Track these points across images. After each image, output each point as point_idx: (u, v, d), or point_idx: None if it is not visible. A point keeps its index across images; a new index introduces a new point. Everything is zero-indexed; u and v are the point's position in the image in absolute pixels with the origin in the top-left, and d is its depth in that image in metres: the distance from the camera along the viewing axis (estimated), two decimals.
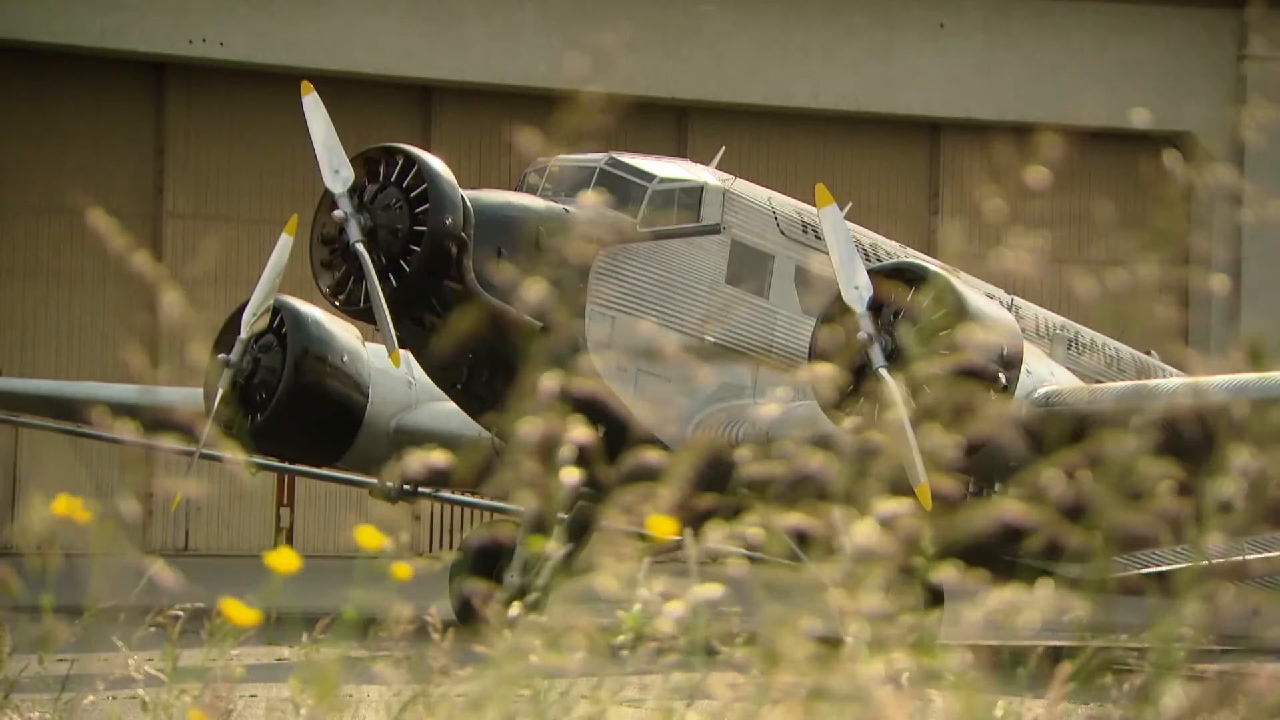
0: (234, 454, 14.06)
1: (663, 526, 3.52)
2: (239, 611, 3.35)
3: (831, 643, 3.49)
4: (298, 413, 15.20)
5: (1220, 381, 12.97)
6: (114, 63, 23.77)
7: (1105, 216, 23.46)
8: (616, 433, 12.99)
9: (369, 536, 3.46)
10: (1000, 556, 4.39)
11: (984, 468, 11.08)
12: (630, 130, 24.96)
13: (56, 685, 4.27)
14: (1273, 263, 25.73)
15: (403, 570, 3.56)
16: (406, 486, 15.55)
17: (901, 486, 3.69)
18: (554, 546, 3.63)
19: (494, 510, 16.26)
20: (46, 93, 23.99)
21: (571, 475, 3.60)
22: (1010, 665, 3.99)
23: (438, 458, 3.81)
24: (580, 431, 3.64)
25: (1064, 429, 12.24)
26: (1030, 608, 3.55)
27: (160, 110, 24.49)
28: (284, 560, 3.37)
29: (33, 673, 3.92)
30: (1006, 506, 3.63)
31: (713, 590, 3.40)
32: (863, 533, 3.53)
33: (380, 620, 3.85)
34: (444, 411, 15.33)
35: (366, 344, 15.62)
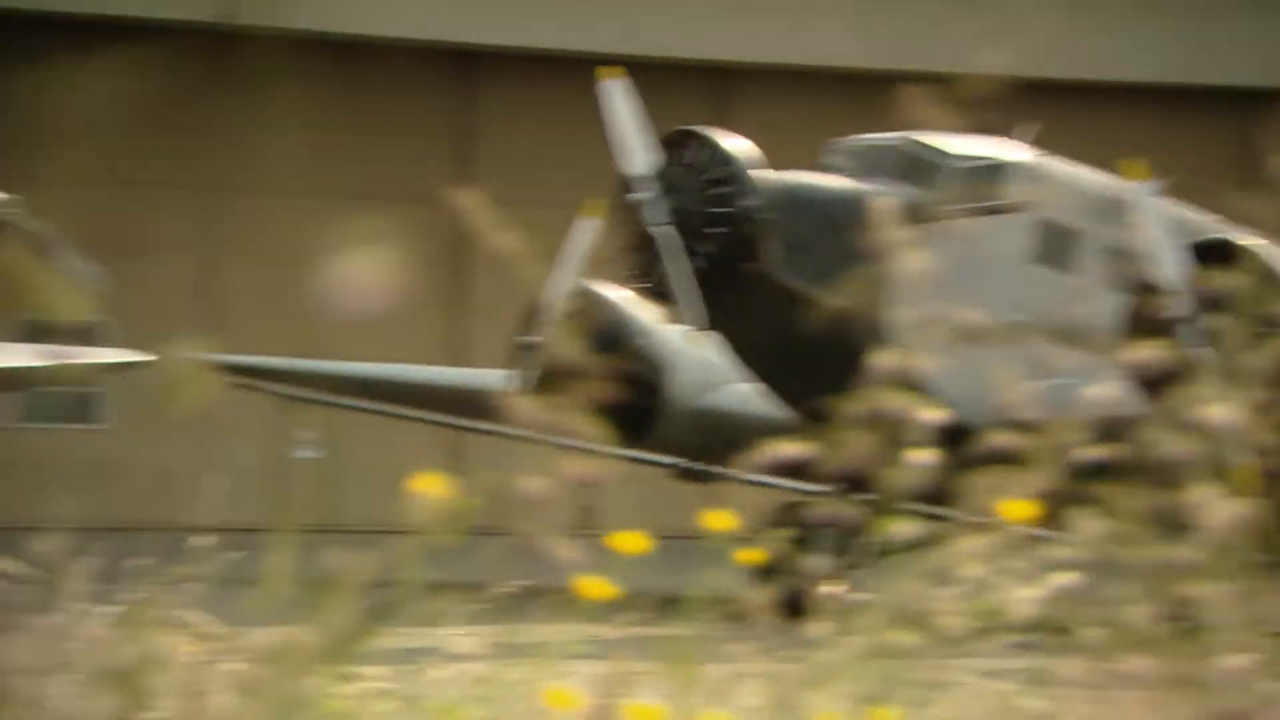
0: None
1: (1016, 509, 3.48)
2: (595, 588, 3.42)
3: (1185, 627, 3.41)
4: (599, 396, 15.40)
5: None
6: (421, 52, 24.32)
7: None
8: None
9: (718, 519, 3.50)
10: None
11: None
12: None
13: (401, 657, 4.41)
14: None
15: (754, 555, 3.59)
16: (707, 468, 15.65)
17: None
18: (898, 527, 3.62)
19: (800, 492, 16.24)
20: (358, 85, 24.65)
21: (922, 455, 3.59)
22: None
23: (785, 448, 3.82)
24: (929, 412, 3.63)
25: None
26: None
27: (468, 98, 24.99)
28: (632, 542, 3.42)
29: (386, 646, 4.06)
30: None
31: (1070, 576, 3.36)
32: (1216, 512, 3.45)
33: (723, 600, 3.88)
34: (745, 393, 15.38)
35: (668, 326, 15.75)
